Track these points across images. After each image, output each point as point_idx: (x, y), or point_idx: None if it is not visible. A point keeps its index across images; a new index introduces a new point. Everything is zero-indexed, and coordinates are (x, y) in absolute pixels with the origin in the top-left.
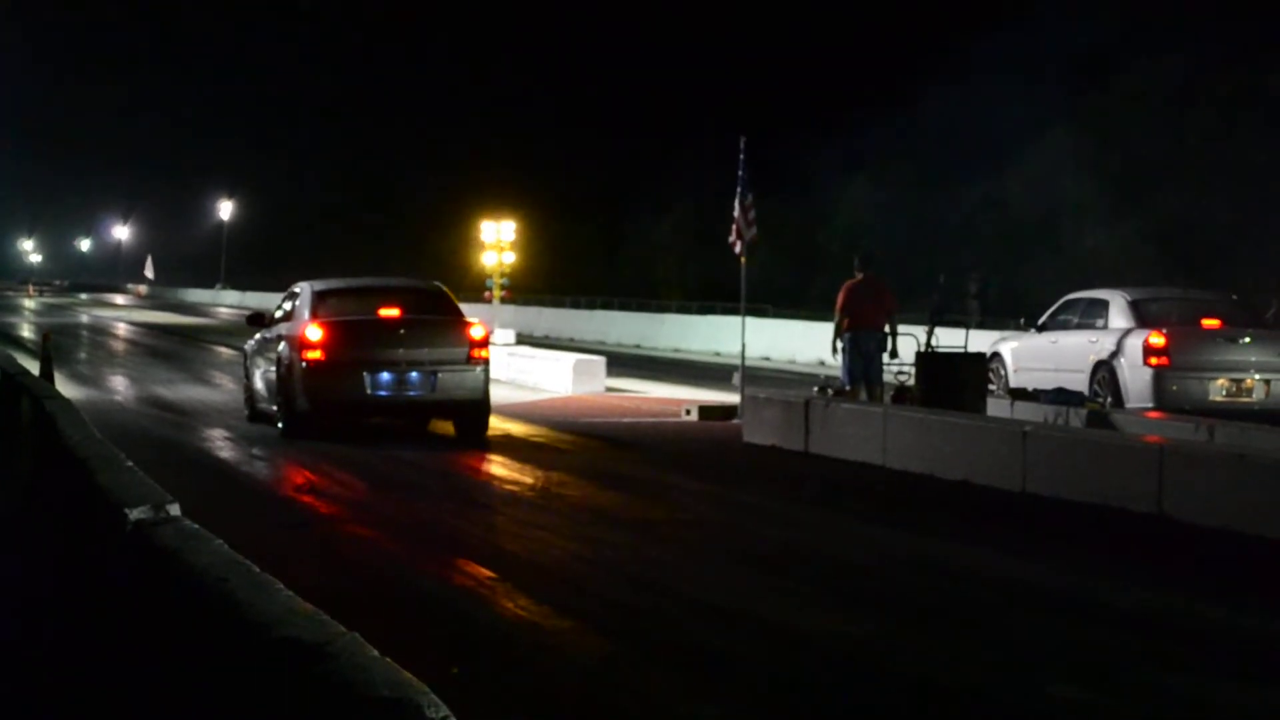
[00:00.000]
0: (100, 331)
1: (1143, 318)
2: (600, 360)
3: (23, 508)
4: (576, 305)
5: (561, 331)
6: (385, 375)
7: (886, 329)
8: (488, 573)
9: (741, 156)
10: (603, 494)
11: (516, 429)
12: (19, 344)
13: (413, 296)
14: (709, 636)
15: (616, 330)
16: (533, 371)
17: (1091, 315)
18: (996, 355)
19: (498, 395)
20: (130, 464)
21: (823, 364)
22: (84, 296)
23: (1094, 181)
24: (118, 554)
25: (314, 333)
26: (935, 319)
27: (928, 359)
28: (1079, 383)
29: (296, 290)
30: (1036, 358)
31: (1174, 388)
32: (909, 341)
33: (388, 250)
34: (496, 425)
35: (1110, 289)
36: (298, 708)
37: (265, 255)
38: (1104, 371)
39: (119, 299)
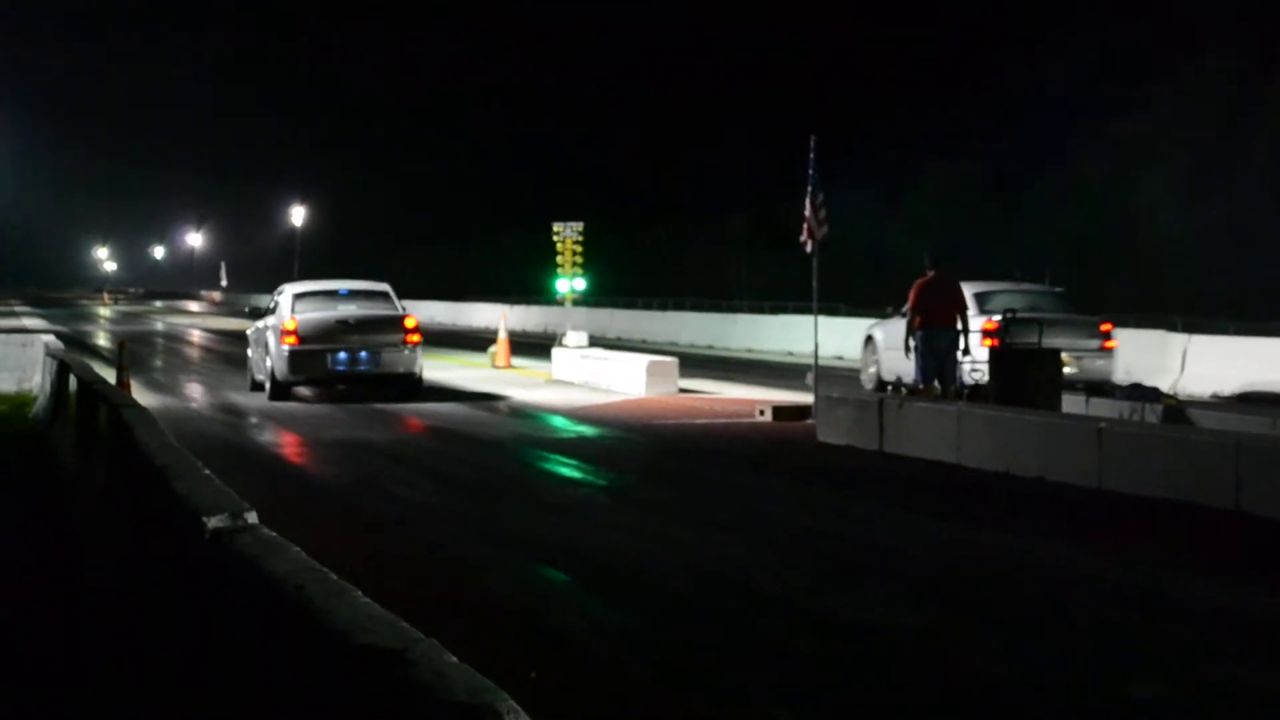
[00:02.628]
0: (175, 339)
1: (982, 306)
2: (673, 361)
3: (100, 515)
4: (649, 307)
5: (634, 333)
6: (343, 354)
7: (959, 326)
8: (563, 575)
9: (811, 155)
10: (676, 495)
11: (590, 431)
12: (95, 352)
13: (365, 295)
14: (783, 637)
15: (689, 331)
16: (605, 374)
17: None
18: (870, 338)
19: (571, 398)
20: (207, 471)
21: None
22: (158, 304)
23: (1166, 175)
24: (196, 562)
25: (291, 325)
26: (1009, 316)
27: (1001, 356)
28: None
29: (281, 291)
30: (899, 337)
31: None
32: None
33: (457, 255)
34: (569, 428)
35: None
36: (377, 714)
37: (337, 260)
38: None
39: (193, 306)
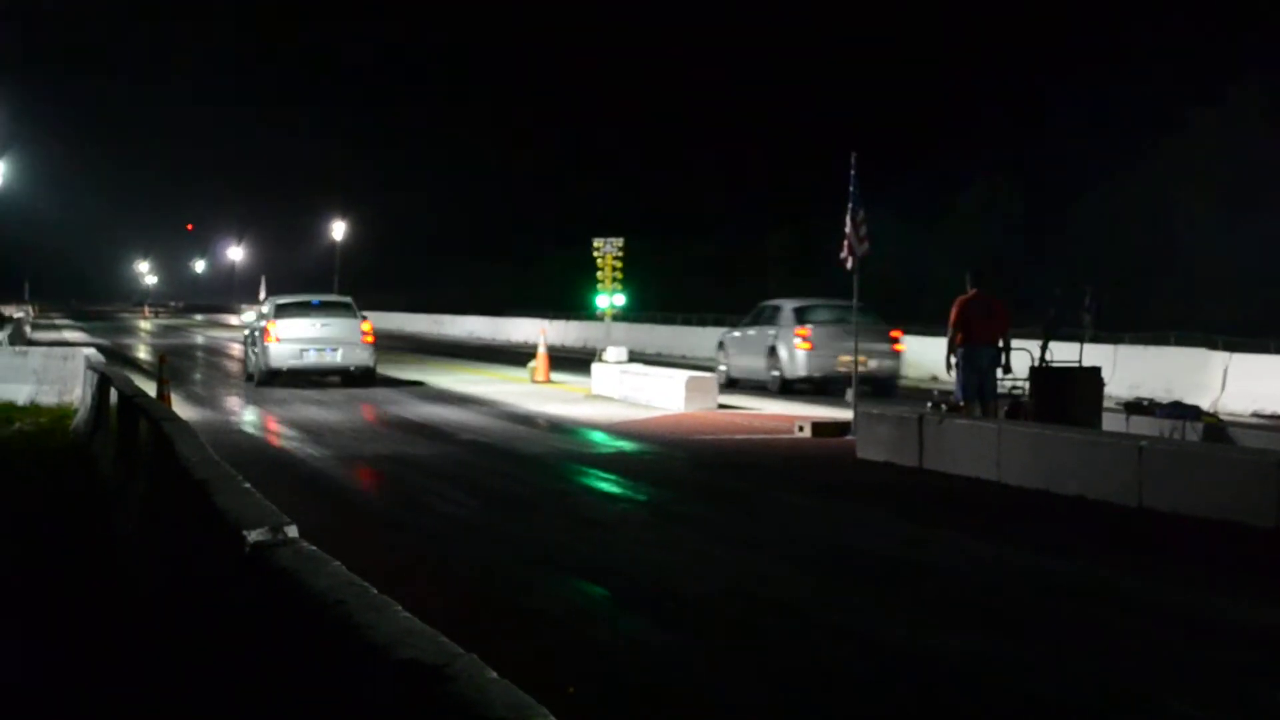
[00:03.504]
0: (215, 352)
1: (800, 318)
2: (713, 377)
3: (141, 528)
4: (689, 322)
5: (674, 349)
6: (313, 351)
7: (1000, 344)
8: (601, 590)
9: (852, 172)
10: (715, 511)
11: (629, 446)
12: (136, 365)
13: (333, 304)
14: (821, 654)
15: None
16: (645, 389)
17: (771, 316)
18: (722, 343)
19: (611, 413)
20: (247, 485)
21: (935, 379)
22: (199, 317)
23: (1207, 193)
24: (236, 575)
25: (272, 326)
26: (1049, 333)
27: (1042, 374)
28: (760, 360)
29: (266, 302)
30: (740, 344)
31: (814, 361)
32: (1022, 356)
33: (496, 270)
34: (609, 443)
35: (783, 299)
36: None
37: (377, 275)
38: (773, 353)
39: (233, 319)
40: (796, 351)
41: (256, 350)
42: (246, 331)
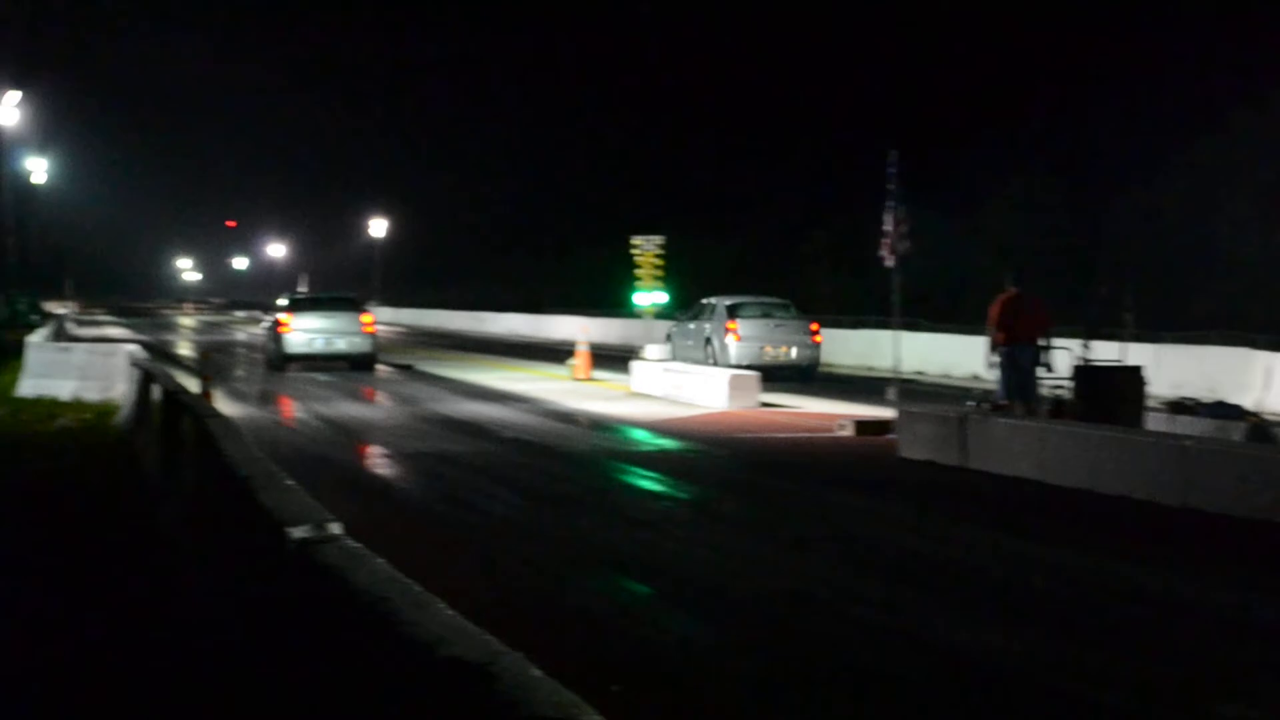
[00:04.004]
0: (257, 349)
1: (731, 313)
2: (754, 375)
3: (185, 526)
4: None
5: None
6: (321, 340)
7: (1041, 342)
8: (645, 588)
9: (892, 170)
10: (758, 510)
11: (671, 445)
12: (178, 362)
13: (338, 300)
14: (863, 653)
15: None
16: (687, 387)
17: (707, 311)
18: (669, 334)
19: (652, 411)
20: (290, 482)
21: (977, 378)
22: (240, 314)
23: (1247, 193)
24: (280, 572)
25: (286, 320)
26: (1092, 332)
27: (1085, 372)
28: (699, 350)
29: (283, 296)
30: (682, 335)
31: (743, 351)
32: (1065, 355)
33: (537, 267)
34: (650, 441)
35: (718, 296)
36: None
37: (417, 271)
38: (709, 343)
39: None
40: (727, 342)
41: (273, 339)
42: (263, 324)
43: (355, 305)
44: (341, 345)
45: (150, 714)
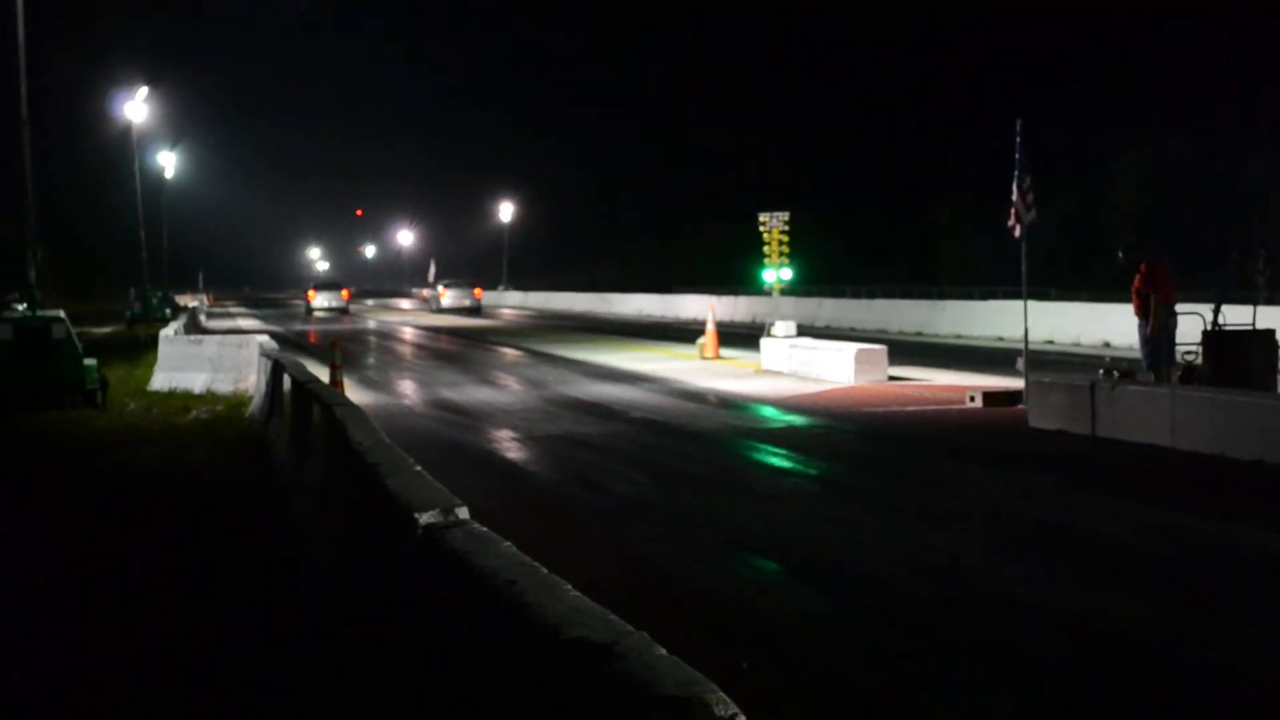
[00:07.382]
0: (387, 336)
1: (438, 281)
2: (882, 349)
3: (317, 512)
4: (856, 295)
5: (841, 322)
6: (323, 299)
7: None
8: (774, 565)
9: (1018, 139)
10: (887, 484)
11: (799, 421)
12: (308, 351)
13: (332, 282)
14: (998, 626)
15: (897, 319)
16: (814, 363)
17: (437, 279)
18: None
19: (780, 387)
20: (419, 468)
21: (1108, 345)
22: (370, 302)
23: None
24: (409, 556)
25: (310, 292)
26: (1222, 296)
27: (1215, 337)
28: (462, 301)
29: (313, 280)
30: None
31: (449, 300)
32: (1194, 320)
33: (664, 248)
34: (779, 418)
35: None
36: (587, 707)
37: (545, 255)
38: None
39: (404, 303)
40: (441, 297)
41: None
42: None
43: (338, 285)
44: (332, 303)
45: (285, 695)
